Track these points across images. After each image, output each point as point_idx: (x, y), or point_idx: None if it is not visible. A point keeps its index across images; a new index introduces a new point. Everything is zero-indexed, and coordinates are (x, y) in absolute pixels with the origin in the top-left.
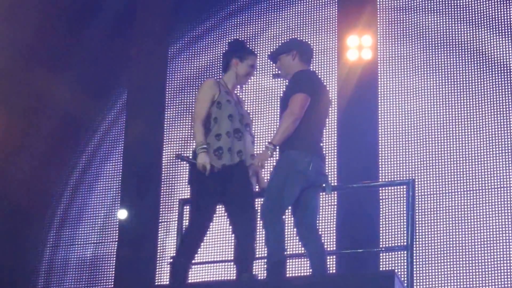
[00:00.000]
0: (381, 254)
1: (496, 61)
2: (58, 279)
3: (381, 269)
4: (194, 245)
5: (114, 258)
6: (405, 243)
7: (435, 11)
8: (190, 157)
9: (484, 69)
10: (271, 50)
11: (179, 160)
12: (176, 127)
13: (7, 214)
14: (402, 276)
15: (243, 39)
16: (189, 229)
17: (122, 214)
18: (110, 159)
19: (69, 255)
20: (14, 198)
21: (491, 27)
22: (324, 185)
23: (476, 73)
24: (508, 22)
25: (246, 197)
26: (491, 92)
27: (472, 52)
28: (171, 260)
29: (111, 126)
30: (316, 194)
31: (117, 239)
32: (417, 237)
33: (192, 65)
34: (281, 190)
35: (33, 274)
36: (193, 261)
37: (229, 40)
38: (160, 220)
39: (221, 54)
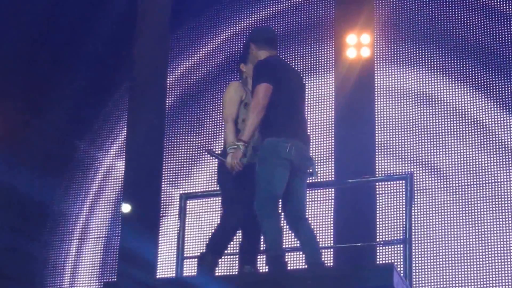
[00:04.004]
0: (378, 248)
1: (491, 55)
2: (62, 272)
3: (378, 262)
4: (226, 242)
5: (117, 252)
6: (401, 237)
7: (431, 8)
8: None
9: (480, 63)
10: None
11: (209, 155)
12: (177, 123)
13: (13, 208)
14: (400, 269)
15: (242, 41)
16: (221, 225)
17: (126, 208)
18: (113, 155)
19: (73, 248)
20: (20, 192)
21: (487, 23)
22: (310, 170)
23: (471, 68)
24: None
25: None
26: (487, 86)
27: (468, 48)
28: (200, 255)
29: (114, 123)
30: (302, 181)
31: (120, 233)
32: (414, 230)
33: (194, 63)
34: (270, 180)
35: (38, 266)
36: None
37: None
38: (162, 214)
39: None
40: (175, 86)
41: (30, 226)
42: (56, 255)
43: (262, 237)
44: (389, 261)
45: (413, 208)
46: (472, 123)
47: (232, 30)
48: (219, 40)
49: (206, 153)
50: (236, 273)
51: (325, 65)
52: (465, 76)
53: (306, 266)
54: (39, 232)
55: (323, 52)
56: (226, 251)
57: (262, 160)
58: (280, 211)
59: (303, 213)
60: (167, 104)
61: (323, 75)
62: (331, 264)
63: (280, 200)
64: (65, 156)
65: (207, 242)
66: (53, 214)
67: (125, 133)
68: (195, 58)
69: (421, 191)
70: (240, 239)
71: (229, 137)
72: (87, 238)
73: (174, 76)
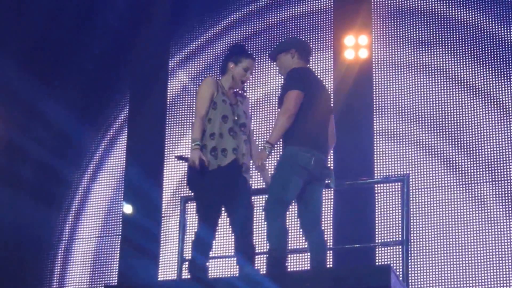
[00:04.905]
0: (376, 249)
1: (490, 56)
2: (62, 273)
3: (377, 263)
4: (207, 245)
5: (118, 253)
6: (399, 238)
7: (428, 9)
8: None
9: (478, 65)
10: (268, 50)
11: (179, 161)
12: (177, 124)
13: (14, 209)
14: (398, 270)
15: (241, 40)
16: (199, 230)
17: (128, 209)
18: (114, 155)
19: (74, 249)
20: (21, 192)
21: (487, 22)
22: (328, 180)
23: (469, 70)
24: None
25: (242, 194)
26: (485, 87)
27: (467, 49)
28: (188, 263)
29: (115, 125)
30: (319, 188)
31: (120, 234)
32: (412, 231)
33: (194, 65)
34: (283, 185)
35: (39, 267)
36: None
37: (230, 45)
38: (163, 215)
39: (221, 57)
40: (177, 85)
41: (32, 226)
42: (57, 255)
43: (255, 239)
44: (388, 262)
45: (411, 209)
46: (470, 123)
47: (230, 29)
48: (218, 45)
49: (176, 158)
50: (237, 274)
51: (324, 66)
52: (464, 76)
53: (309, 268)
54: (41, 233)
55: (321, 54)
56: (211, 254)
57: (280, 165)
58: (296, 216)
59: (318, 219)
60: (167, 103)
61: (321, 76)
62: (330, 265)
63: (297, 206)
64: (64, 156)
65: (191, 248)
66: (55, 213)
67: (126, 133)
68: (196, 60)
69: (420, 191)
70: (234, 242)
71: (193, 134)
72: (87, 239)
73: (175, 78)
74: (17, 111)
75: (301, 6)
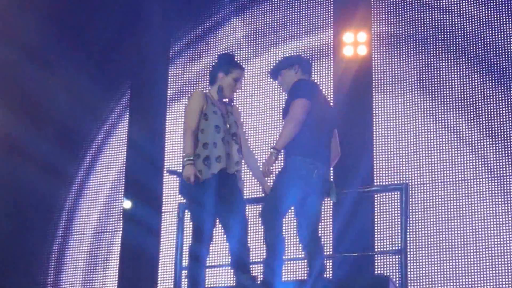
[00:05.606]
0: (375, 258)
1: (492, 60)
2: (62, 269)
3: (375, 272)
4: (203, 254)
5: (119, 249)
6: (398, 247)
7: (428, 6)
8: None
9: (479, 69)
10: (268, 48)
11: (171, 175)
12: (177, 124)
13: (14, 203)
14: (396, 279)
15: (239, 38)
16: (194, 240)
17: (127, 204)
18: (115, 152)
19: (74, 245)
20: (20, 187)
21: (485, 22)
22: (329, 193)
23: (470, 72)
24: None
25: (235, 202)
26: (486, 93)
27: (466, 46)
28: (187, 272)
29: (115, 121)
30: (319, 200)
31: (121, 229)
32: (411, 240)
33: (195, 63)
34: (282, 194)
35: (39, 263)
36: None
37: (219, 54)
38: (163, 211)
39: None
40: (177, 80)
41: (31, 221)
42: (57, 250)
43: (249, 248)
44: (387, 270)
45: (410, 218)
46: (472, 129)
47: (227, 28)
48: (219, 41)
49: (168, 173)
50: (234, 284)
51: (322, 63)
52: (465, 74)
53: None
54: (41, 228)
55: (320, 51)
56: (207, 263)
57: (282, 174)
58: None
59: (316, 230)
60: (168, 105)
61: (320, 73)
62: (329, 273)
63: (295, 217)
64: (65, 153)
65: (187, 258)
66: (54, 210)
67: (127, 132)
68: (197, 57)
69: (420, 200)
70: (229, 252)
71: (186, 148)
72: (88, 233)
73: (176, 77)
74: (17, 109)
75: (300, 3)
